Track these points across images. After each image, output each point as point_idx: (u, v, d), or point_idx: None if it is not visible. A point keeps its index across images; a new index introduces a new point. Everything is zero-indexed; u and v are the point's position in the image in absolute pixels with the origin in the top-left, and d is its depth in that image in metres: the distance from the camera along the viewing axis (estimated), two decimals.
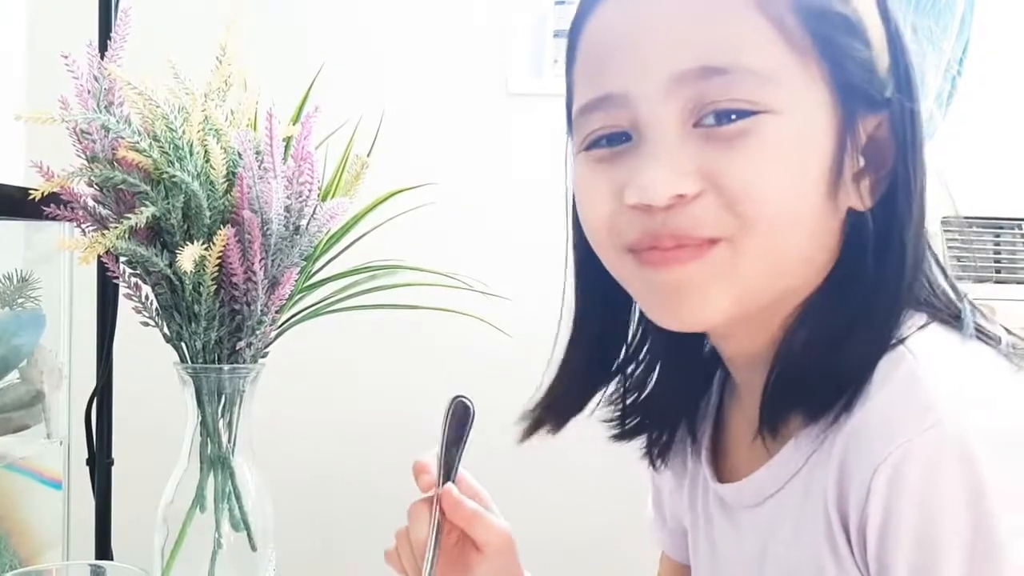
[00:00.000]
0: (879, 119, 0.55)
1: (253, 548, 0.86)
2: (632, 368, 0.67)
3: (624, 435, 0.68)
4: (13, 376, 0.80)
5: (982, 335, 0.55)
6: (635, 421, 0.67)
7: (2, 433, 0.78)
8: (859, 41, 0.54)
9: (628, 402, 0.67)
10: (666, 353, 0.66)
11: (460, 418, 0.73)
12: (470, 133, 1.87)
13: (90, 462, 1.15)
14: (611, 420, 0.68)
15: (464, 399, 0.73)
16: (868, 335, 0.53)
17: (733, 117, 0.52)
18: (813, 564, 0.53)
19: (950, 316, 0.55)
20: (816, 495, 0.53)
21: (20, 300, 0.80)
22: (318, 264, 0.91)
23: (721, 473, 0.65)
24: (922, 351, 0.52)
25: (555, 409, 0.66)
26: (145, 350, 0.91)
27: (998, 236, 1.67)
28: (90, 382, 0.99)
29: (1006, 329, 0.56)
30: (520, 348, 1.42)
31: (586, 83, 0.58)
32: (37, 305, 0.82)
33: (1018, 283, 1.64)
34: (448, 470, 0.71)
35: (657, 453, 0.68)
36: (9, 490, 0.83)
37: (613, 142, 0.56)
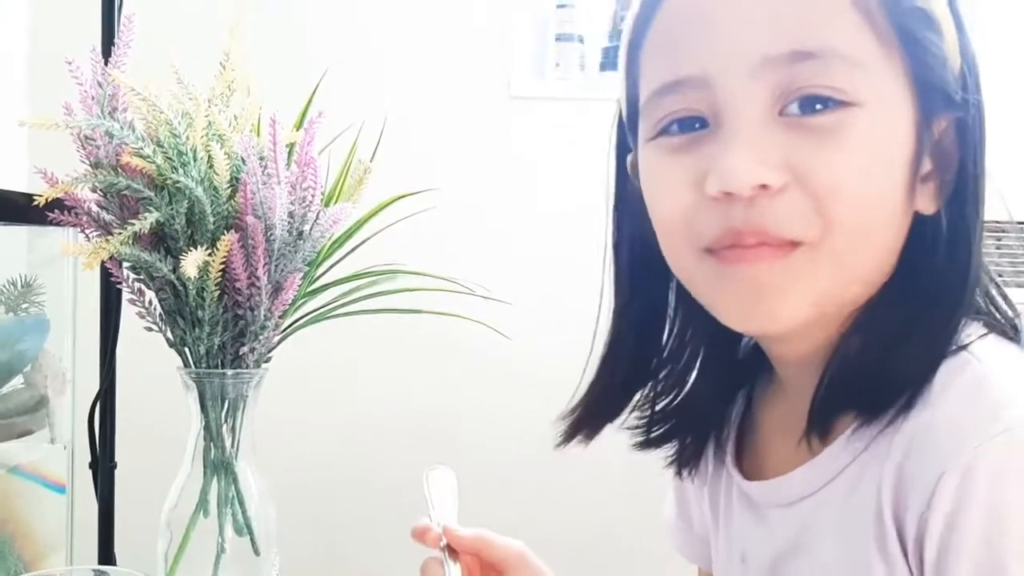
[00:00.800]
0: (948, 120, 0.54)
1: (256, 552, 0.86)
2: (666, 372, 0.65)
3: (651, 443, 0.66)
4: (17, 381, 0.80)
5: None
6: (664, 428, 0.66)
7: (6, 438, 0.78)
8: (937, 37, 0.53)
9: (657, 408, 0.65)
10: (704, 355, 0.64)
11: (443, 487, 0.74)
12: (472, 136, 1.88)
13: (93, 466, 1.15)
14: (638, 427, 0.66)
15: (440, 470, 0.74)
16: (927, 340, 0.52)
17: (818, 107, 0.51)
18: (858, 563, 0.52)
19: (1008, 327, 0.55)
20: (865, 496, 0.52)
21: (24, 305, 0.81)
22: (321, 269, 0.92)
23: (747, 471, 0.64)
24: (986, 356, 0.52)
25: (594, 413, 0.65)
26: (149, 354, 0.91)
27: (1000, 239, 1.67)
28: (94, 386, 1.00)
29: None
30: (520, 351, 1.43)
31: (660, 64, 0.55)
32: (41, 310, 0.82)
33: (1018, 286, 1.65)
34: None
35: (687, 459, 0.67)
36: (13, 494, 0.83)
37: (685, 127, 0.54)
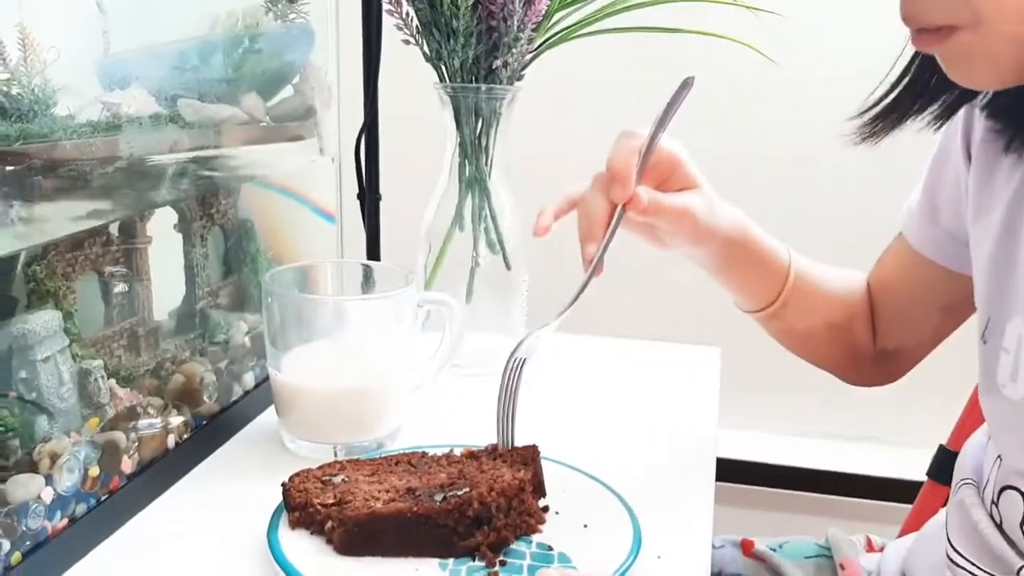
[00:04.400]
0: None
1: (507, 267, 0.88)
2: None
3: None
4: (287, 91, 0.83)
5: None
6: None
7: (280, 140, 0.82)
8: None
9: None
10: None
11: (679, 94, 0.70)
12: None
13: (360, 197, 1.21)
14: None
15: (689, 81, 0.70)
16: None
17: None
18: None
19: None
20: None
21: (291, 16, 0.82)
22: None
23: None
24: None
25: (901, 103, 0.65)
26: (408, 76, 0.91)
27: None
28: (356, 109, 1.02)
29: None
30: (790, 79, 1.28)
31: None
32: (306, 20, 0.84)
33: None
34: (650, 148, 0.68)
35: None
36: (287, 219, 0.88)
37: None
